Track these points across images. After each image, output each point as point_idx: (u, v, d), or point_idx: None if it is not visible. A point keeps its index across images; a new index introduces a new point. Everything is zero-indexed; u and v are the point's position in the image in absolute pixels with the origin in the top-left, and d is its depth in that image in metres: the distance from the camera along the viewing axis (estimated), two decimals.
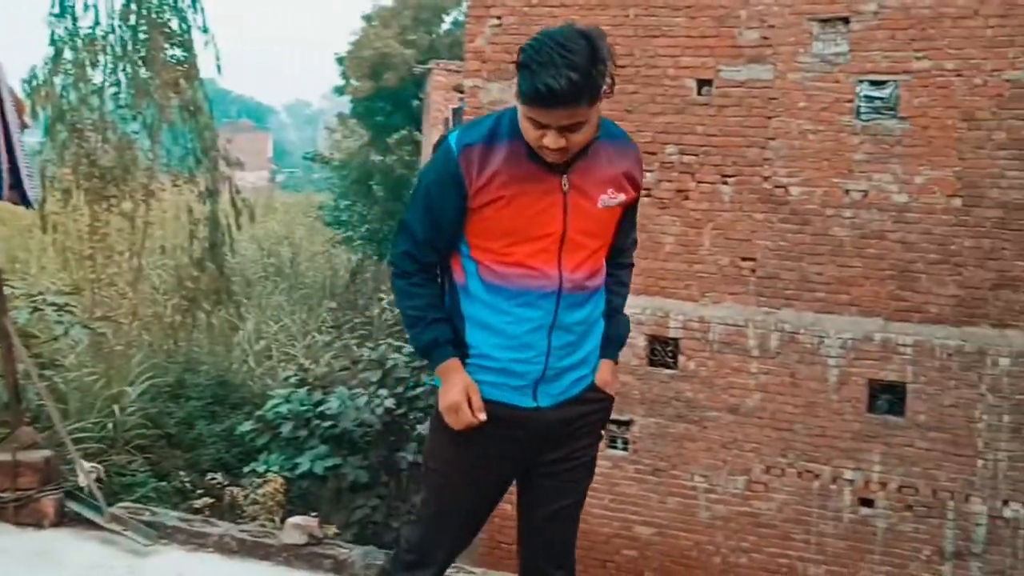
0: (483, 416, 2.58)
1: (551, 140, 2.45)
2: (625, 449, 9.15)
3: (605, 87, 2.44)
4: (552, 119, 2.42)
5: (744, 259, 8.71)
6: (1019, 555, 7.87)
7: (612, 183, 2.62)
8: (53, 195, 13.05)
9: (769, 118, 8.50)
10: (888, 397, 8.35)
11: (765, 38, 8.47)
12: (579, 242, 2.59)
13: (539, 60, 2.40)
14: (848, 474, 8.41)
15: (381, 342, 12.35)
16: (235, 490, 9.65)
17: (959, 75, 7.88)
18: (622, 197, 2.64)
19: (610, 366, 2.77)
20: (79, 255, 13.17)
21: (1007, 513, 7.91)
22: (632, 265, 2.90)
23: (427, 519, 2.75)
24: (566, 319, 2.62)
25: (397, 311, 12.80)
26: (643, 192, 2.90)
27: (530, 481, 2.78)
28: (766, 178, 8.53)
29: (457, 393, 2.60)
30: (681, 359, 8.93)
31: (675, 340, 8.92)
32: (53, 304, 10.07)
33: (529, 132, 2.47)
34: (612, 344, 2.79)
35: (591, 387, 2.72)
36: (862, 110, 8.23)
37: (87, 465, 4.70)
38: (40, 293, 10.78)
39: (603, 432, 2.87)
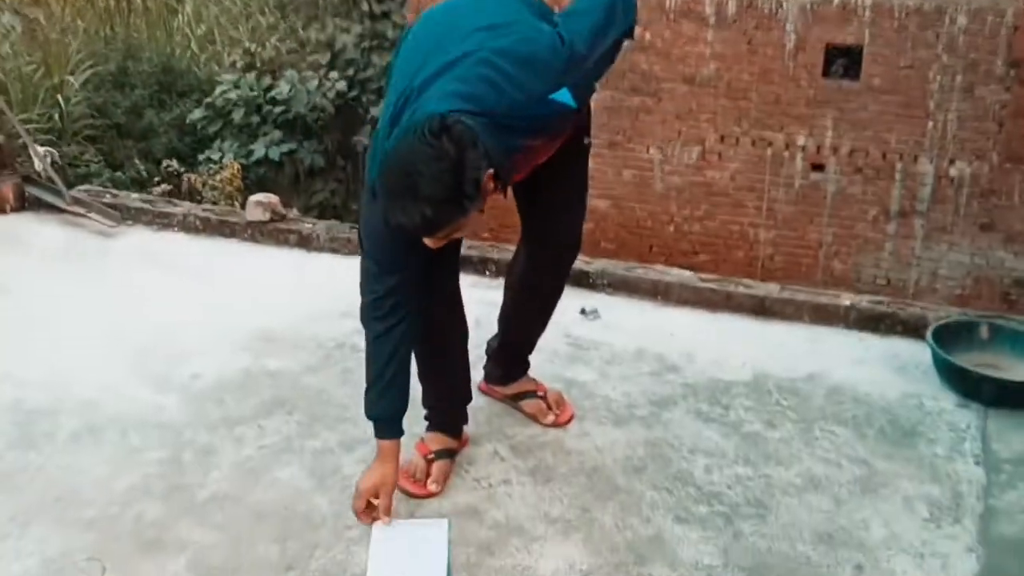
0: (385, 520, 2.40)
1: (430, 242, 2.21)
2: None
3: (482, 191, 2.13)
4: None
5: None
6: (960, 211, 8.18)
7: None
8: None
9: None
10: (844, 61, 8.32)
11: None
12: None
13: (391, 189, 2.13)
14: (801, 140, 8.52)
15: (328, 23, 11.89)
16: (192, 177, 9.61)
17: None
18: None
19: None
20: None
21: (952, 172, 8.12)
22: None
23: None
24: None
25: None
26: None
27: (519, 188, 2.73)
28: None
29: (365, 484, 2.44)
30: (637, 30, 8.72)
31: None
32: None
33: None
34: None
35: None
36: None
37: (41, 150, 4.63)
38: None
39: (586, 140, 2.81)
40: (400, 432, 2.51)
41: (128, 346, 3.43)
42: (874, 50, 8.09)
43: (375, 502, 2.43)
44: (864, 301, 3.81)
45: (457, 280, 2.74)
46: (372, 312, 2.44)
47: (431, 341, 2.71)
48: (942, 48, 7.89)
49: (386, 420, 2.50)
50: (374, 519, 2.42)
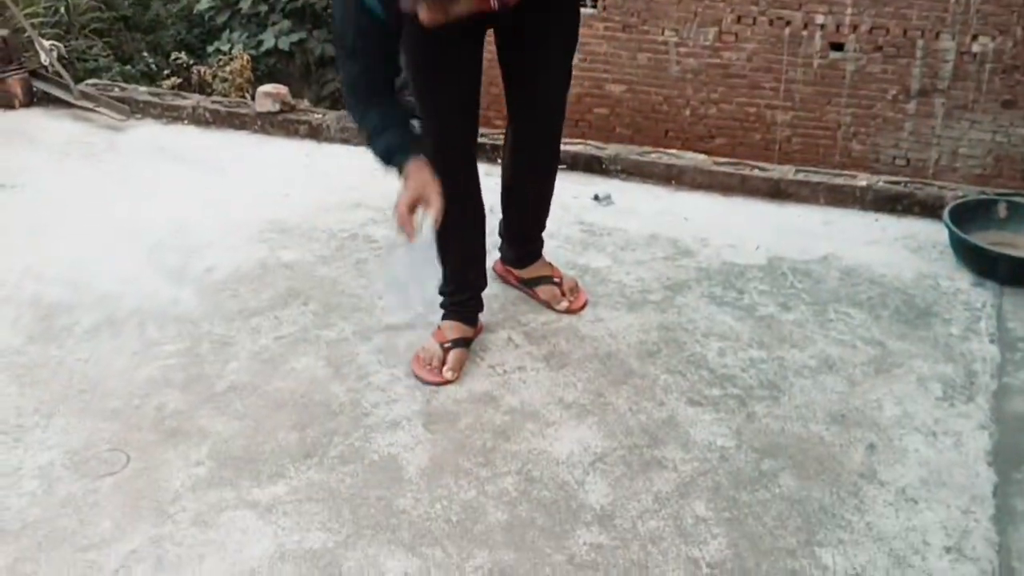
0: (417, 240, 2.32)
1: (425, 18, 2.08)
2: (595, 7, 8.95)
3: None
4: None
5: None
6: (982, 88, 8.02)
7: None
8: None
9: None
10: None
11: None
12: None
13: None
14: (819, 19, 8.32)
15: None
16: (202, 69, 9.51)
17: None
18: None
19: None
20: None
21: (975, 48, 7.94)
22: None
23: (430, 112, 2.59)
24: None
25: None
26: None
27: (506, 53, 2.67)
28: None
29: (406, 197, 2.29)
30: None
31: None
32: None
33: None
34: None
35: None
36: None
37: (46, 43, 4.57)
38: None
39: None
40: (409, 156, 2.35)
41: (142, 240, 3.44)
42: None
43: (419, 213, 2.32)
44: (880, 182, 3.76)
45: (475, 141, 2.71)
46: (348, 99, 2.46)
47: (448, 211, 2.69)
48: None
49: (394, 150, 2.37)
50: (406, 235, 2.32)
